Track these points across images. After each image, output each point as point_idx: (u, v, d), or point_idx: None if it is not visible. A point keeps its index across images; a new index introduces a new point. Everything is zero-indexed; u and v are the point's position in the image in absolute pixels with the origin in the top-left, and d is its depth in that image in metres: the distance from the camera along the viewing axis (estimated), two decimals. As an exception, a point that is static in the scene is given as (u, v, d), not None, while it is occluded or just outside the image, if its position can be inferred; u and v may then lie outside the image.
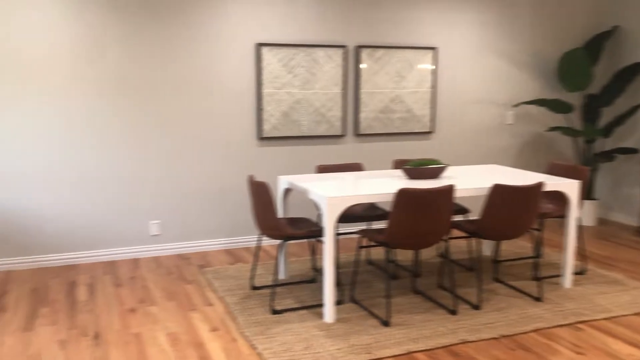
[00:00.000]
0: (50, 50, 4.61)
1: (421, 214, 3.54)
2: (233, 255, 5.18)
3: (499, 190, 3.78)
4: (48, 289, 4.28)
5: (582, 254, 5.15)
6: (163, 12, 4.89)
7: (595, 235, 5.93)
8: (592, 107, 6.35)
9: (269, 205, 3.75)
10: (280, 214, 4.39)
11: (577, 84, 6.12)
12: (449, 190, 3.59)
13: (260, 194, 3.79)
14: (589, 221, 6.34)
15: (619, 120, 6.04)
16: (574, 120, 6.57)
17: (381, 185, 3.96)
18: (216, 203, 5.31)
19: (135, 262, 4.95)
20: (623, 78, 6.19)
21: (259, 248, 4.17)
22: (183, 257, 5.11)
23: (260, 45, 5.24)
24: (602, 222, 6.51)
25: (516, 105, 6.15)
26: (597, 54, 6.32)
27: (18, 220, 4.69)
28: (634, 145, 6.30)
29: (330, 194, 3.57)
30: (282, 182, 4.34)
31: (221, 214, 5.34)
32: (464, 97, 6.09)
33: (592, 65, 6.09)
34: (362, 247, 5.22)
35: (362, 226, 5.84)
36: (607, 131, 6.16)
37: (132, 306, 3.93)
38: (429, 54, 5.83)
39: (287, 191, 4.36)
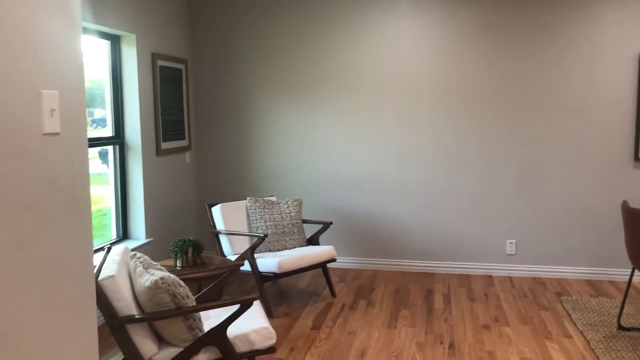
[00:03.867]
0: (422, 70, 5.00)
1: None
2: (595, 287, 4.70)
3: None
4: (408, 292, 4.63)
5: None
6: (527, 23, 4.78)
7: None
8: None
9: (649, 236, 3.27)
10: (660, 248, 3.78)
11: None
12: None
13: (636, 223, 3.34)
14: None
15: None
16: None
17: None
18: (579, 227, 4.91)
19: (488, 279, 4.95)
20: None
21: (629, 284, 3.67)
22: (538, 281, 4.88)
23: (644, 54, 4.64)
24: None
25: None
26: None
27: (388, 226, 5.21)
28: None
29: None
30: (666, 212, 3.73)
31: (584, 240, 4.91)
32: None
33: None
34: None
35: None
36: None
37: (486, 323, 3.93)
38: None
39: (672, 222, 3.72)
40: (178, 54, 5.17)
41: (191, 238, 3.79)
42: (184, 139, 5.26)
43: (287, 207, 4.64)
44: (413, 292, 4.63)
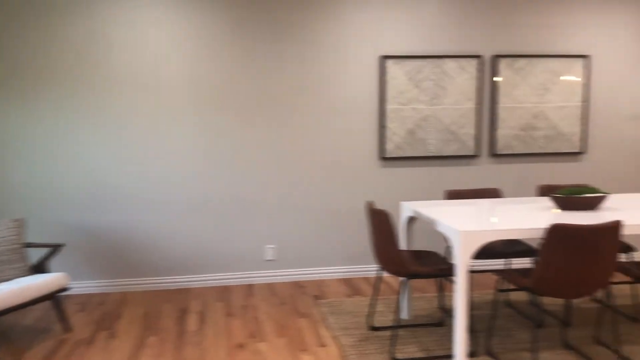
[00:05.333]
0: (165, 70, 4.54)
1: (579, 256, 2.86)
2: (351, 286, 4.75)
3: (682, 229, 2.99)
4: (159, 314, 4.13)
5: None
6: (278, 23, 4.65)
7: None
8: None
9: (390, 236, 3.27)
10: (403, 245, 3.89)
11: None
12: (615, 227, 2.88)
13: (380, 223, 3.33)
14: None
15: None
16: None
17: (526, 217, 3.32)
18: (334, 228, 4.93)
19: (249, 288, 4.70)
20: None
21: (379, 281, 3.70)
22: (298, 285, 4.77)
23: (385, 57, 4.81)
24: None
25: (690, 121, 5.14)
26: None
27: (138, 242, 4.63)
28: None
29: (465, 228, 3.02)
30: (406, 210, 3.84)
31: (339, 240, 4.95)
32: (623, 112, 5.20)
33: None
34: (501, 290, 4.50)
35: (500, 263, 5.15)
36: None
37: (241, 341, 3.62)
38: (578, 63, 5.05)
39: (412, 219, 3.85)
40: None
41: None
42: None
43: (4, 230, 3.79)
44: (165, 313, 4.14)
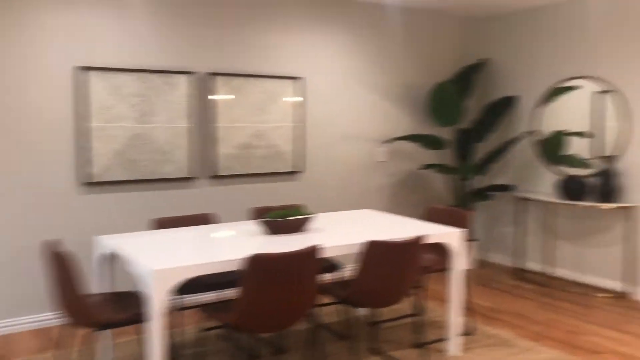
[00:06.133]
0: None
1: (276, 286, 2.71)
2: (48, 337, 3.99)
3: (374, 249, 3.07)
4: None
5: (468, 308, 4.60)
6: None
7: (477, 280, 5.48)
8: (464, 143, 5.99)
9: (70, 282, 2.72)
10: (100, 288, 3.35)
11: (447, 118, 5.71)
12: (312, 252, 2.81)
13: (58, 268, 2.76)
14: (468, 264, 5.92)
15: (493, 156, 5.72)
16: (449, 157, 6.18)
17: (231, 246, 3.09)
18: (24, 270, 4.11)
19: None
20: (493, 112, 5.92)
21: (64, 332, 3.10)
22: (-25, 345, 3.84)
23: (84, 69, 4.20)
24: (481, 264, 6.13)
25: (388, 142, 5.61)
26: (467, 87, 6.00)
27: None
28: (507, 182, 6.02)
29: (156, 266, 2.64)
30: (101, 245, 3.31)
31: (32, 283, 4.14)
32: (333, 132, 5.44)
33: (461, 99, 5.70)
34: (207, 329, 4.11)
35: (213, 295, 4.72)
36: (481, 168, 5.81)
37: None
38: (294, 84, 5.12)
39: (113, 256, 3.34)
40: None
41: None
42: None
43: None
44: None
